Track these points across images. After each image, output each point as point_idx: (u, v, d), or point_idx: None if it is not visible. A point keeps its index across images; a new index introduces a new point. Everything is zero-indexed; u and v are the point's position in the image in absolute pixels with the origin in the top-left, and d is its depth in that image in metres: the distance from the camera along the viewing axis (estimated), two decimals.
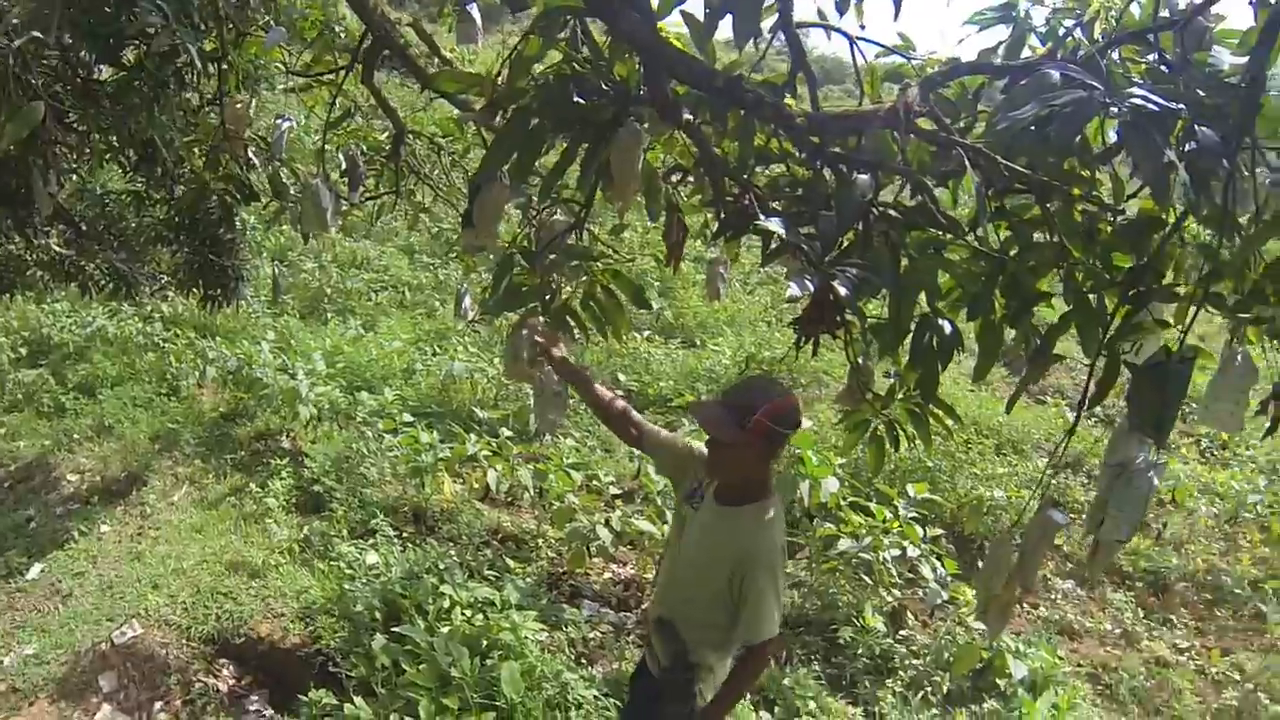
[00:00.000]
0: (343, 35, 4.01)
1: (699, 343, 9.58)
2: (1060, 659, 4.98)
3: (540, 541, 5.61)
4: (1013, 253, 2.15)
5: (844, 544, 5.13)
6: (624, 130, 2.00)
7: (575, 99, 2.03)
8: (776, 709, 4.38)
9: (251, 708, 4.41)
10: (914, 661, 4.78)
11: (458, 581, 4.74)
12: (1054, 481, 7.11)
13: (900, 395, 2.85)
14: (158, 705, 4.38)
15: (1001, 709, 4.54)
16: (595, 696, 4.16)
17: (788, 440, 2.61)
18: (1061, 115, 1.65)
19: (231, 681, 4.55)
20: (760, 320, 10.56)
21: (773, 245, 2.17)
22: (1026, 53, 2.45)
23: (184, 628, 4.68)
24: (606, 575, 5.47)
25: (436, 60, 2.93)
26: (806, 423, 5.88)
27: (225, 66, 3.26)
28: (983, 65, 2.32)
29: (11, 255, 5.45)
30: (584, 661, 4.53)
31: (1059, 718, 4.47)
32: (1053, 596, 6.01)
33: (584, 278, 2.57)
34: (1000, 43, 2.48)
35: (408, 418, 6.61)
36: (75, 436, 6.73)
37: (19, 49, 2.62)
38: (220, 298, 5.35)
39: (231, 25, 3.27)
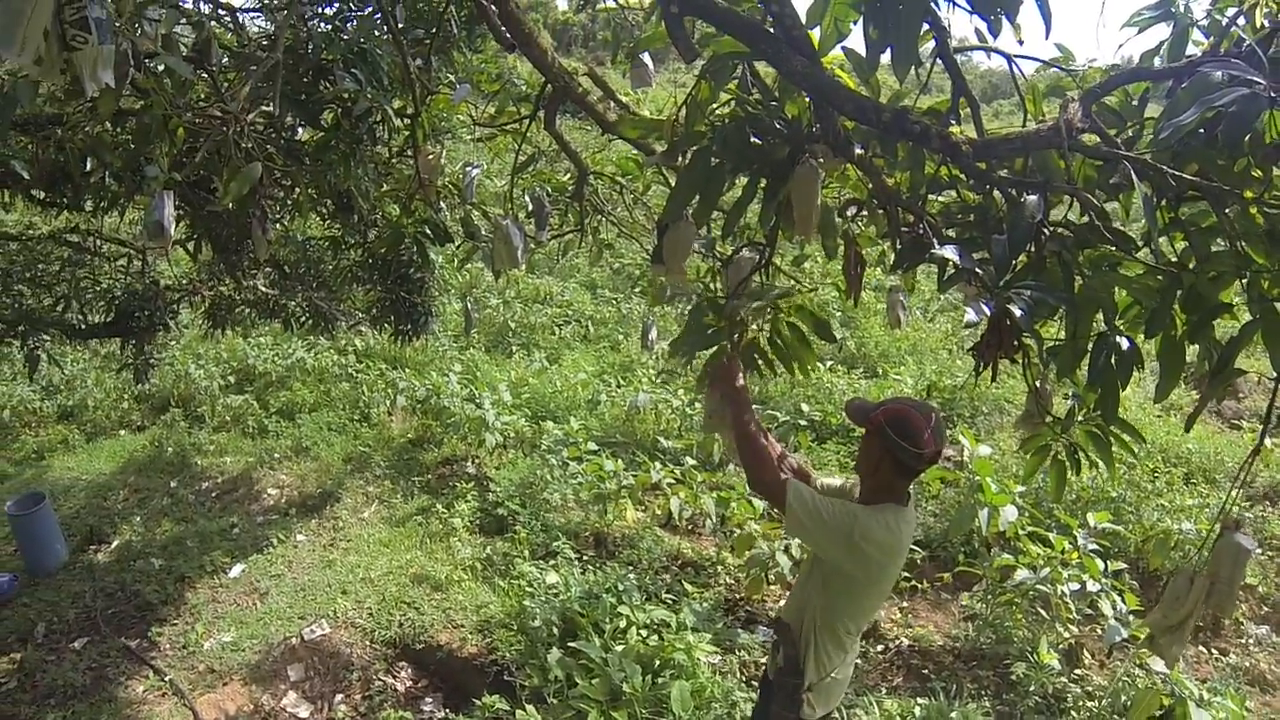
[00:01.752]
0: (522, 86, 4.32)
1: (881, 372, 9.39)
2: (1248, 711, 4.57)
3: (719, 568, 5.65)
4: (1191, 264, 2.08)
5: (1021, 575, 4.92)
6: (801, 168, 2.10)
7: (752, 139, 2.17)
8: None
9: (426, 708, 4.70)
10: (1089, 704, 4.51)
11: (635, 603, 4.87)
12: (1249, 514, 6.59)
13: (1080, 417, 2.76)
14: (338, 697, 4.75)
15: None
16: None
17: (910, 455, 2.49)
18: (1227, 115, 1.60)
19: (409, 683, 4.88)
20: (941, 348, 10.28)
21: (948, 272, 2.21)
22: (1192, 49, 2.32)
23: (368, 630, 5.07)
24: (783, 602, 5.48)
25: (613, 104, 3.13)
26: (985, 449, 5.68)
27: (416, 122, 3.58)
28: (1142, 71, 2.24)
29: (223, 295, 6.12)
30: (755, 685, 4.47)
31: None
32: (1244, 642, 5.51)
33: (769, 314, 2.66)
34: (1162, 42, 2.37)
35: (592, 446, 6.84)
36: (276, 455, 7.42)
37: (237, 118, 2.98)
38: (410, 332, 5.79)
39: (420, 85, 3.59)
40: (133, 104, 3.47)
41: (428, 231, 3.68)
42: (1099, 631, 5.10)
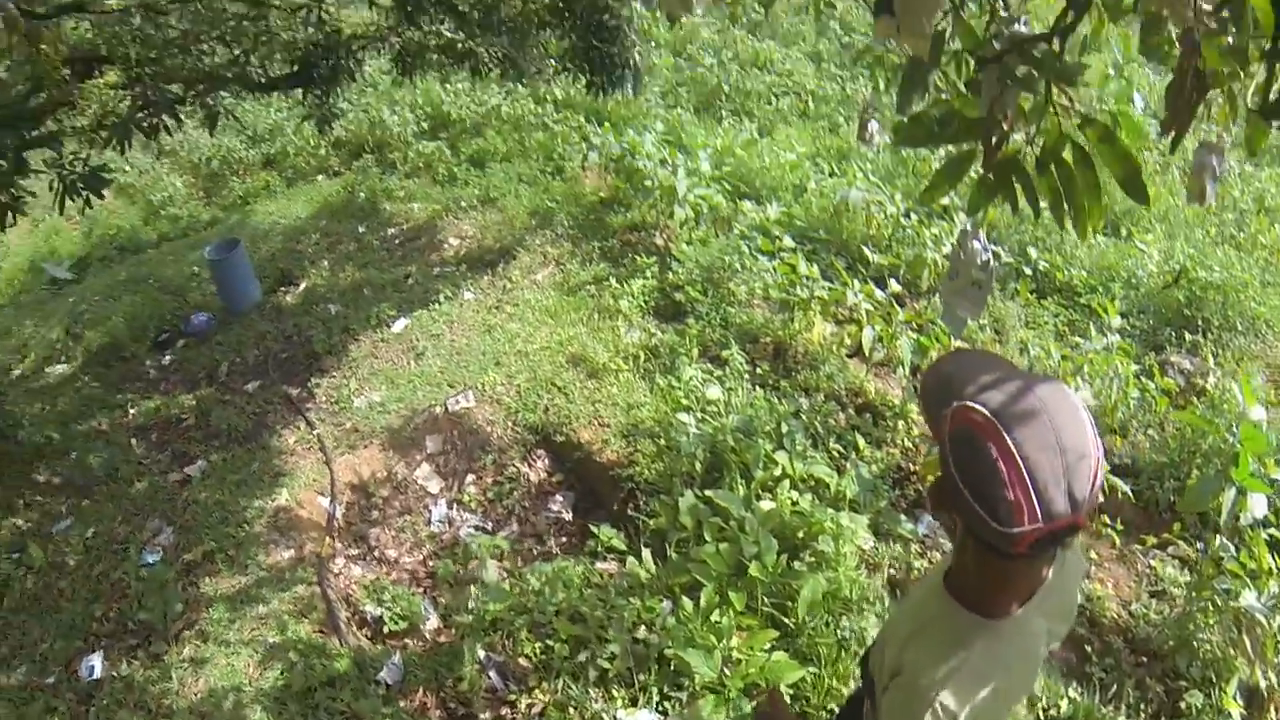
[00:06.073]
0: None
1: (1124, 233, 7.19)
2: None
3: (900, 424, 4.77)
4: None
5: (1245, 598, 3.61)
6: None
7: None
8: None
9: (554, 506, 4.42)
10: None
11: (796, 447, 4.20)
12: None
13: None
14: (470, 477, 4.59)
15: None
16: None
17: (992, 533, 1.24)
18: None
19: (543, 475, 4.62)
20: (1198, 224, 7.46)
21: None
22: None
23: (513, 410, 4.82)
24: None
25: None
26: (1260, 412, 3.91)
27: None
28: None
29: (413, 41, 5.71)
30: (897, 591, 3.84)
31: None
32: None
33: (1046, 125, 1.66)
34: None
35: (789, 241, 6.01)
36: (462, 204, 7.19)
37: None
38: (604, 85, 5.37)
39: None
40: None
41: None
42: None
